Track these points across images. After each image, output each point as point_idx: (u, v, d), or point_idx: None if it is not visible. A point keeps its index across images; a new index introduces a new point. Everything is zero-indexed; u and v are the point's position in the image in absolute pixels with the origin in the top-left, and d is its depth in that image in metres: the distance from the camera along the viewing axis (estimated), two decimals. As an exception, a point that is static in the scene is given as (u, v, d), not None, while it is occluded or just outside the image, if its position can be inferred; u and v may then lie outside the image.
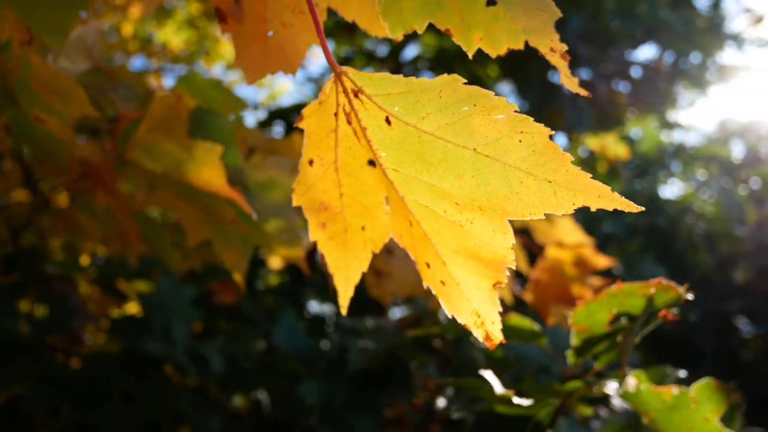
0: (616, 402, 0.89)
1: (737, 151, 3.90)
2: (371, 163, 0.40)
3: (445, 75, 0.35)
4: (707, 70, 3.07)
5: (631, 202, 0.34)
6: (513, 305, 1.26)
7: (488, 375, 0.65)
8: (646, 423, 0.67)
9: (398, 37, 0.41)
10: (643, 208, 0.34)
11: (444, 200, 0.38)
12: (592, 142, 3.34)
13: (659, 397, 0.64)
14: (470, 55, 0.41)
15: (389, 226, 0.43)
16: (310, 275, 0.90)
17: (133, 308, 1.70)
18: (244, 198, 0.66)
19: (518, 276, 1.39)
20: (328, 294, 1.46)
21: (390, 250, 1.06)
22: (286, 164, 0.84)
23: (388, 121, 0.37)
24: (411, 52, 3.32)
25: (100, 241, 1.34)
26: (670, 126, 3.33)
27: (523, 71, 3.08)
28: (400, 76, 0.36)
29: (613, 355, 0.67)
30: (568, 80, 0.39)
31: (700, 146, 3.54)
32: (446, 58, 3.32)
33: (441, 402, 0.96)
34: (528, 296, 1.15)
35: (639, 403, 0.66)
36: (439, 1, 0.40)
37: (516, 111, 0.35)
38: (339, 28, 3.46)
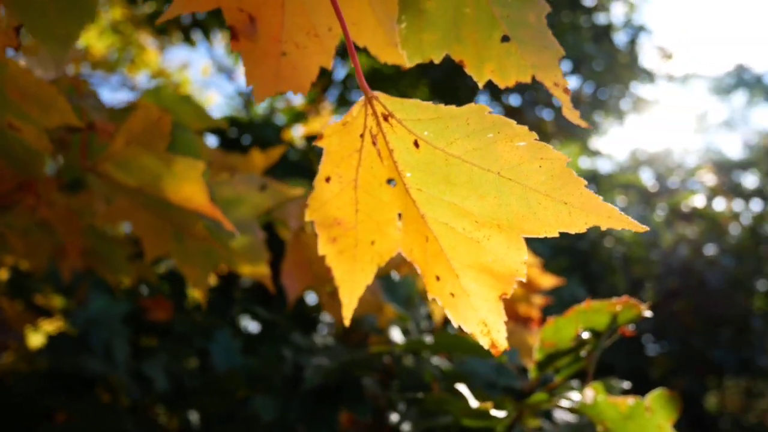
0: (560, 414, 0.94)
1: (646, 178, 4.17)
2: (390, 182, 0.43)
3: (473, 104, 0.38)
4: (623, 102, 3.29)
5: (637, 222, 0.37)
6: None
7: (462, 389, 0.68)
8: None
9: (412, 64, 0.44)
10: (648, 228, 0.38)
11: (464, 218, 0.40)
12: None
13: (615, 408, 0.69)
14: (480, 85, 0.44)
15: (399, 242, 0.45)
16: (275, 292, 0.90)
17: (53, 325, 1.62)
18: (223, 216, 0.66)
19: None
20: (258, 311, 1.45)
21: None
22: (254, 181, 0.84)
23: (416, 144, 0.40)
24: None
25: (23, 255, 1.28)
26: (591, 153, 3.52)
27: (454, 95, 3.18)
28: (430, 103, 0.39)
29: (574, 368, 0.72)
30: (569, 112, 0.43)
31: (613, 173, 3.76)
32: (379, 78, 3.39)
33: (394, 417, 0.98)
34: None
35: (595, 413, 0.71)
36: (457, 35, 0.43)
37: (536, 139, 0.38)
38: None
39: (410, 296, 1.12)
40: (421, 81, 3.41)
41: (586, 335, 0.67)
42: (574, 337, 0.68)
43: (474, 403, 0.65)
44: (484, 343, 0.44)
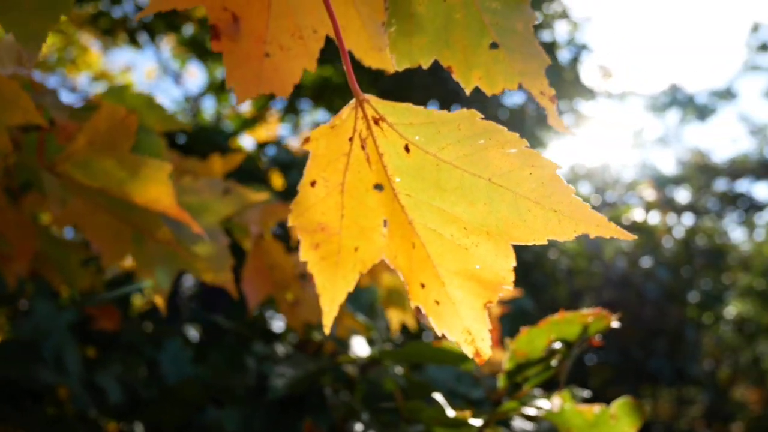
0: (518, 423, 0.95)
1: (585, 192, 4.30)
2: (377, 187, 0.42)
3: (464, 110, 0.38)
4: (566, 117, 3.38)
5: (625, 231, 0.38)
6: (416, 332, 1.30)
7: (439, 397, 0.68)
8: None
9: (400, 69, 0.44)
10: (636, 237, 0.38)
11: (453, 225, 0.40)
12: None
13: (581, 416, 0.70)
14: (467, 92, 0.45)
15: (383, 248, 0.45)
16: (238, 298, 0.87)
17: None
18: (192, 218, 0.64)
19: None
20: (218, 320, 1.42)
21: (304, 276, 1.06)
22: (218, 186, 0.83)
23: (407, 148, 0.39)
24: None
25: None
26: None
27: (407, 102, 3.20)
28: (421, 108, 0.39)
29: (543, 377, 0.73)
30: (555, 120, 0.44)
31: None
32: (329, 88, 3.38)
33: (358, 427, 0.97)
34: (433, 322, 1.19)
35: (562, 421, 0.72)
36: (446, 40, 0.43)
37: (526, 146, 0.39)
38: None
39: (372, 305, 1.12)
40: (371, 90, 3.42)
41: (557, 345, 0.68)
42: (545, 348, 0.69)
43: (450, 412, 0.65)
44: (468, 351, 0.44)
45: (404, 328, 1.42)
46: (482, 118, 0.39)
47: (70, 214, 0.82)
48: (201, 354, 1.52)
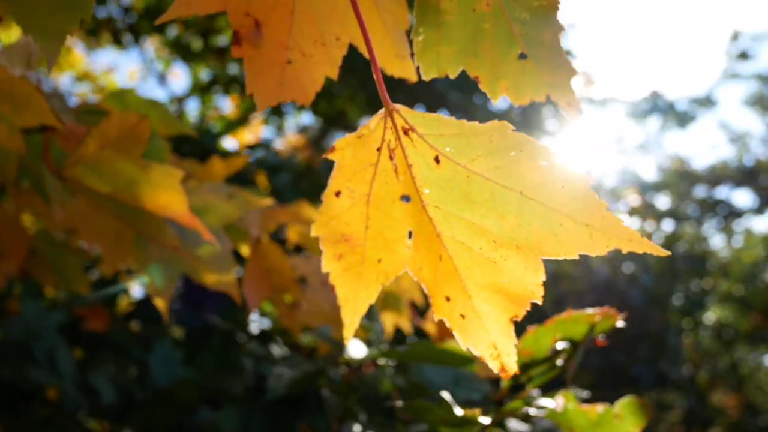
0: (513, 425, 0.95)
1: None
2: (404, 198, 0.42)
3: (496, 122, 0.38)
4: (550, 123, 3.40)
5: (658, 246, 0.38)
6: (412, 335, 1.30)
7: (447, 396, 0.67)
8: None
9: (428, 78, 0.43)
10: (670, 253, 0.38)
11: (482, 238, 0.40)
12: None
13: (585, 415, 0.70)
14: (494, 100, 0.44)
15: (407, 260, 0.44)
16: (241, 302, 0.86)
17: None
18: (202, 225, 0.63)
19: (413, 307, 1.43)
20: (216, 321, 1.40)
21: (304, 279, 1.05)
22: (222, 190, 0.81)
23: (437, 159, 0.39)
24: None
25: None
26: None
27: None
28: (452, 119, 0.38)
29: (547, 377, 0.73)
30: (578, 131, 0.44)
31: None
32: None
33: (356, 428, 0.96)
34: (431, 326, 1.19)
35: (564, 420, 0.72)
36: (474, 50, 0.42)
37: (558, 159, 0.38)
38: (209, 51, 3.38)
39: (370, 308, 1.11)
40: (356, 97, 3.42)
41: (562, 345, 0.68)
42: (550, 347, 0.69)
43: (459, 411, 0.64)
44: (494, 366, 0.43)
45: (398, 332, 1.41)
46: (514, 130, 0.38)
47: (72, 217, 0.81)
48: (191, 355, 1.50)
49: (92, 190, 0.66)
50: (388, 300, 1.21)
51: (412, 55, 0.46)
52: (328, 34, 0.45)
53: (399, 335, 1.53)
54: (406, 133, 0.39)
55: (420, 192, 0.40)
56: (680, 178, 7.27)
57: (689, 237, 6.80)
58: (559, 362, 0.68)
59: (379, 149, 0.40)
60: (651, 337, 3.93)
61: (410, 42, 0.43)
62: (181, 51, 3.53)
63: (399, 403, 0.78)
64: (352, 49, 0.48)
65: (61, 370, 1.09)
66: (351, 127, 3.64)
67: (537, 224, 0.39)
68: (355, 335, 1.17)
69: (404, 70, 0.48)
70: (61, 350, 1.12)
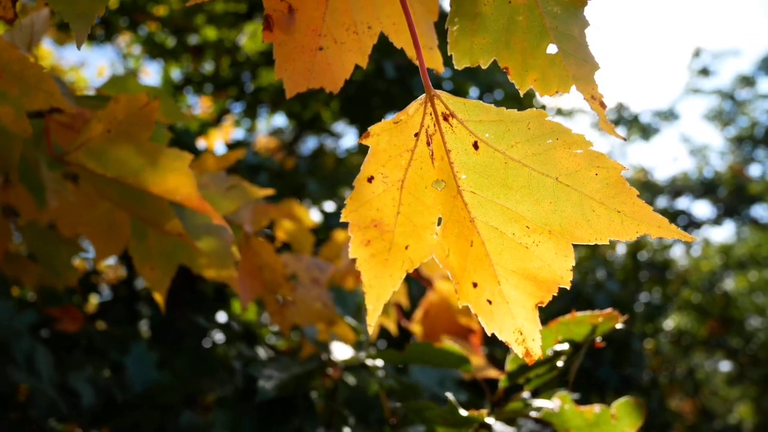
0: (498, 427, 0.96)
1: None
2: (437, 184, 0.42)
3: (533, 109, 0.39)
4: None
5: (686, 233, 0.40)
6: (397, 336, 1.30)
7: (450, 396, 0.68)
8: None
9: (459, 67, 0.44)
10: (696, 238, 0.40)
11: (515, 223, 0.41)
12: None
13: (581, 416, 0.72)
14: (522, 93, 0.45)
15: (433, 247, 0.45)
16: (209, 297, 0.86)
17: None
18: (212, 209, 0.63)
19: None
20: (200, 322, 1.39)
21: (294, 277, 1.05)
22: (223, 181, 0.81)
23: (476, 145, 0.40)
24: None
25: None
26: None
27: (366, 113, 3.20)
28: (491, 105, 0.39)
29: (545, 378, 0.74)
30: (605, 125, 0.45)
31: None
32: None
33: (346, 431, 0.96)
34: (416, 327, 1.20)
35: (561, 421, 0.73)
36: (507, 41, 0.43)
37: (592, 147, 0.39)
38: (185, 50, 3.34)
39: (359, 309, 1.11)
40: (330, 99, 3.41)
41: (562, 346, 0.69)
42: (551, 348, 0.70)
43: (463, 411, 0.65)
44: (519, 351, 0.44)
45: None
46: (549, 118, 0.39)
47: (68, 208, 0.79)
48: (164, 357, 1.48)
49: (96, 174, 0.65)
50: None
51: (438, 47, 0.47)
52: (361, 22, 0.45)
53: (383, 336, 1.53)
54: (445, 118, 0.40)
55: (457, 177, 0.41)
56: (643, 189, 7.43)
57: (652, 246, 6.95)
58: (560, 363, 0.70)
59: (417, 134, 0.41)
60: (616, 342, 4.00)
61: (445, 32, 0.44)
62: (154, 48, 3.47)
63: (398, 404, 0.78)
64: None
65: (39, 371, 1.07)
66: (325, 131, 3.62)
67: (570, 210, 0.40)
68: (345, 337, 1.17)
69: (432, 60, 0.49)
70: (38, 351, 1.09)
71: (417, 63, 0.49)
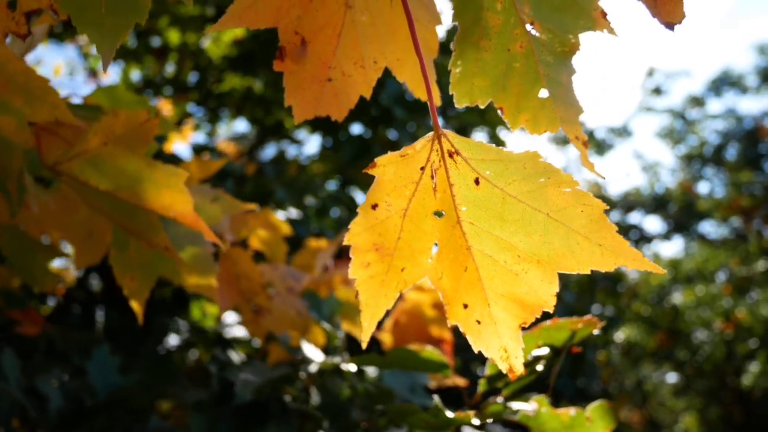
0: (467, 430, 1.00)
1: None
2: (437, 214, 0.46)
3: (529, 150, 0.43)
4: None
5: (657, 265, 0.44)
6: (367, 345, 1.33)
7: (437, 399, 0.71)
8: None
9: (458, 106, 0.48)
10: (666, 271, 0.44)
11: (508, 252, 0.45)
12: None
13: (558, 418, 0.76)
14: (513, 130, 0.49)
15: (427, 270, 0.48)
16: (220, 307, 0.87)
17: None
18: (206, 227, 0.65)
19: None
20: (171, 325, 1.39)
21: (270, 286, 1.07)
22: (207, 192, 0.83)
23: (477, 181, 0.43)
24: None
25: None
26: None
27: (333, 125, 3.22)
28: (492, 145, 0.43)
29: (524, 382, 0.78)
30: (587, 163, 0.49)
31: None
32: (251, 99, 3.34)
33: (320, 434, 0.99)
34: (386, 336, 1.23)
35: (537, 424, 0.76)
36: (504, 85, 0.47)
37: (579, 186, 0.43)
38: (147, 51, 3.29)
39: (333, 316, 1.14)
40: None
41: (542, 351, 0.73)
42: (530, 353, 0.74)
43: (450, 413, 0.68)
44: (503, 367, 0.48)
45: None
46: (543, 159, 0.43)
47: (48, 215, 0.80)
48: (128, 363, 1.48)
49: (89, 186, 0.66)
50: (346, 310, 1.25)
51: (438, 82, 0.51)
52: (368, 57, 0.49)
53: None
54: (451, 155, 0.43)
55: (458, 209, 0.44)
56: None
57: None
58: (539, 367, 0.74)
59: (422, 168, 0.44)
60: (570, 352, 4.11)
61: (447, 71, 0.47)
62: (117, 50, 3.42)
63: (378, 407, 0.81)
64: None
65: (5, 373, 1.06)
66: (287, 137, 3.62)
67: (558, 242, 0.44)
68: (316, 342, 1.20)
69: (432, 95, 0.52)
70: (5, 353, 1.08)
71: (417, 97, 0.52)
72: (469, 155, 0.43)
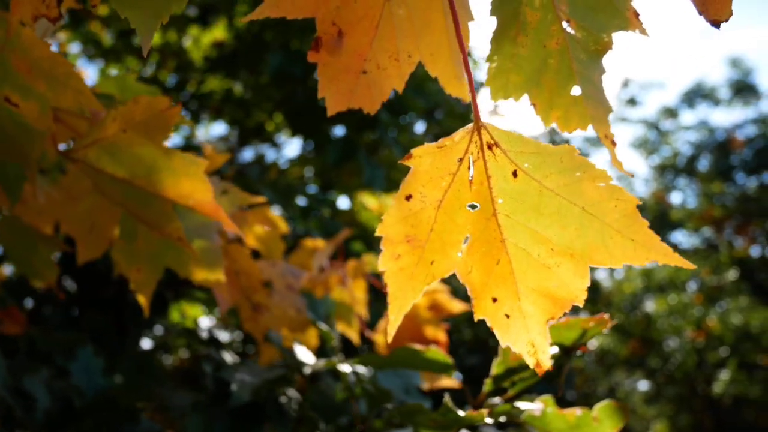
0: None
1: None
2: (471, 206, 0.46)
3: (566, 145, 0.43)
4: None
5: (686, 261, 0.45)
6: (360, 346, 1.33)
7: (447, 399, 0.71)
8: None
9: (493, 101, 0.48)
10: (695, 267, 0.45)
11: (542, 245, 0.45)
12: (371, 202, 3.61)
13: (563, 418, 0.76)
14: (545, 127, 0.50)
15: (456, 263, 0.49)
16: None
17: None
18: (226, 216, 0.64)
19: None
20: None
21: (269, 284, 1.06)
22: (216, 185, 0.82)
23: (515, 174, 0.44)
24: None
25: None
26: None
27: (317, 129, 3.21)
28: (531, 138, 0.43)
29: (530, 382, 0.78)
30: (616, 162, 0.50)
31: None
32: (231, 101, 3.33)
33: (318, 436, 0.98)
34: (380, 338, 1.23)
35: (542, 424, 0.77)
36: (538, 81, 0.48)
37: (613, 182, 0.44)
38: (129, 51, 3.24)
39: (329, 316, 1.13)
40: (274, 111, 3.41)
41: (551, 350, 0.73)
42: None
43: (461, 412, 0.69)
44: (530, 362, 0.48)
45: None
46: (579, 154, 0.44)
47: (46, 205, 0.79)
48: (109, 364, 1.46)
49: (105, 173, 0.65)
50: (340, 310, 1.24)
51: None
52: (403, 50, 0.49)
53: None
54: (489, 147, 0.44)
55: (494, 201, 0.45)
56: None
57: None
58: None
59: (460, 160, 0.45)
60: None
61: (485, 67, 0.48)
62: (95, 48, 3.36)
63: (388, 406, 0.81)
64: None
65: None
66: (269, 141, 3.59)
67: (593, 236, 0.44)
68: (308, 344, 1.19)
69: (460, 89, 0.53)
70: (-10, 351, 1.06)
71: (449, 92, 0.53)
72: (507, 147, 0.44)
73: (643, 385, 7.07)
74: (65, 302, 2.44)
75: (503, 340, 0.48)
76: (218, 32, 3.21)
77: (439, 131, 3.91)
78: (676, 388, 6.53)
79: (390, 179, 3.21)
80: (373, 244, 2.77)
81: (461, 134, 0.44)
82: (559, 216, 0.44)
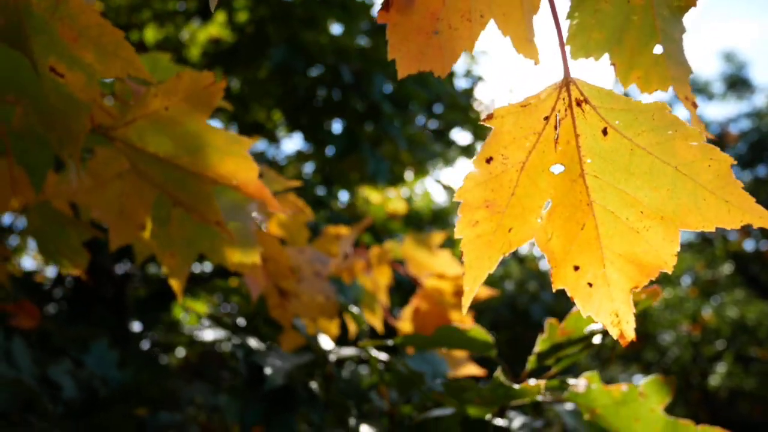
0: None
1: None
2: (556, 167, 0.44)
3: (657, 101, 0.42)
4: (464, 138, 3.55)
5: (785, 224, 0.43)
6: (384, 333, 1.31)
7: (499, 371, 0.69)
8: (587, 420, 0.75)
9: (573, 59, 0.46)
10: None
11: (631, 208, 0.43)
12: (373, 195, 3.59)
13: (609, 395, 0.74)
14: (624, 88, 0.48)
15: (535, 230, 0.47)
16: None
17: None
18: (271, 196, 0.62)
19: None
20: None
21: (297, 270, 1.04)
22: (252, 168, 0.80)
23: (605, 132, 0.42)
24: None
25: None
26: (446, 187, 3.75)
27: (318, 122, 3.19)
28: (621, 95, 0.41)
29: (575, 359, 0.76)
30: (697, 125, 0.48)
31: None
32: (230, 98, 3.30)
33: (352, 421, 0.97)
34: (406, 324, 1.21)
35: (586, 401, 0.75)
36: (620, 39, 0.46)
37: (705, 141, 0.42)
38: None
39: (358, 301, 1.11)
40: (273, 106, 3.38)
41: (597, 325, 0.71)
42: (587, 327, 0.72)
43: (516, 385, 0.67)
44: (613, 333, 0.46)
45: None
46: (670, 111, 0.42)
47: (75, 190, 0.76)
48: (124, 357, 1.44)
49: (146, 152, 0.63)
50: (364, 298, 1.22)
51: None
52: (475, 10, 0.47)
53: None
54: (579, 104, 0.42)
55: (582, 161, 0.43)
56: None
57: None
58: (597, 340, 0.72)
59: (546, 118, 0.43)
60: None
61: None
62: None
63: (438, 383, 0.79)
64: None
65: (18, 363, 1.01)
66: (267, 136, 3.57)
67: (686, 198, 0.42)
68: (329, 331, 1.17)
69: (531, 51, 0.51)
70: (15, 343, 1.04)
71: (520, 54, 0.51)
72: (597, 104, 0.42)
73: (639, 380, 7.09)
74: (68, 300, 2.41)
75: (585, 310, 0.46)
76: (213, 29, 3.18)
77: (442, 125, 3.90)
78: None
79: (393, 173, 3.19)
80: (380, 237, 2.75)
81: (548, 91, 0.42)
82: (650, 176, 0.42)
